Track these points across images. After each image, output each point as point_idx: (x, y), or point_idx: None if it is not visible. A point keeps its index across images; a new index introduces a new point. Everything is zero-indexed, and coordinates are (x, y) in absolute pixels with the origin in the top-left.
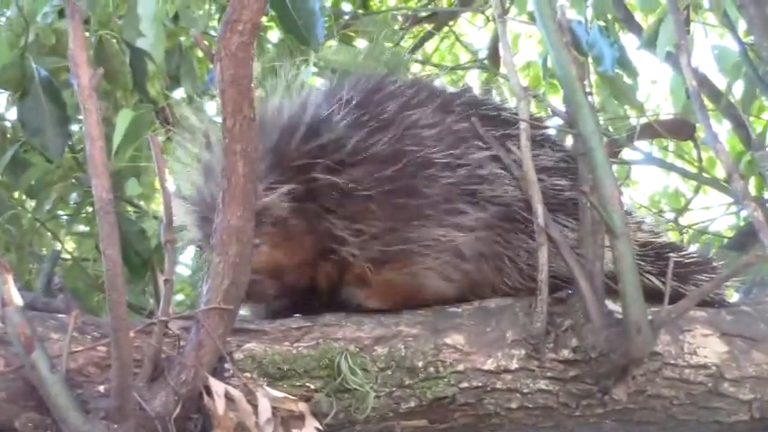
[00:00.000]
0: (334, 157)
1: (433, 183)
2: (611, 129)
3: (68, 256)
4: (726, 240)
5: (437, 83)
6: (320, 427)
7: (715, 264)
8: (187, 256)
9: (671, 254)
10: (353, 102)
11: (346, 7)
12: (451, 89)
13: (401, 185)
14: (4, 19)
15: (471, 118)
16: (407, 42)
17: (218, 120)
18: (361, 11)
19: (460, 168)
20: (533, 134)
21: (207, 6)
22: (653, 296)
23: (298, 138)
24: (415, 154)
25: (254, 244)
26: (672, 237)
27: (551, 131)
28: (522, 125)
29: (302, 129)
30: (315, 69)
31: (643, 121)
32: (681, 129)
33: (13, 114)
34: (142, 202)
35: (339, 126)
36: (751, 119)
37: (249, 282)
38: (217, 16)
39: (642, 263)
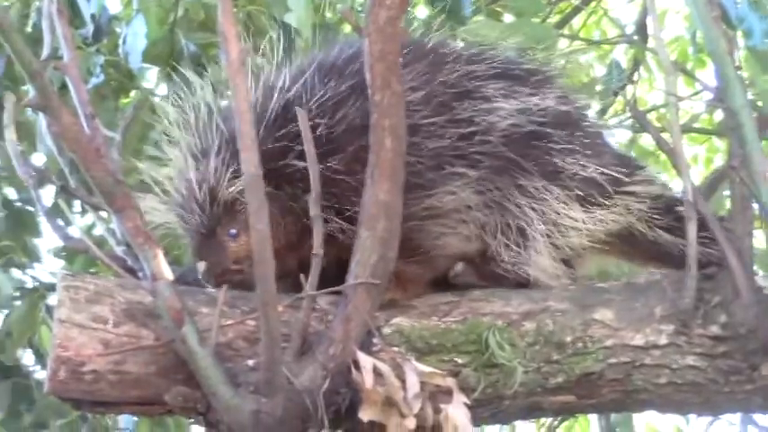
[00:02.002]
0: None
1: (418, 150)
2: (760, 104)
3: None
4: None
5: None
6: (468, 402)
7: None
8: None
9: (680, 207)
10: (325, 77)
11: None
12: (447, 44)
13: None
14: None
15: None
16: (555, 18)
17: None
18: None
19: (449, 130)
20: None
21: None
22: (665, 256)
23: (265, 123)
24: None
25: (231, 234)
26: None
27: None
28: (671, 99)
29: (269, 114)
30: (462, 44)
31: None
32: None
33: (162, 90)
34: None
35: (309, 108)
36: None
37: (234, 272)
38: None
39: (654, 216)
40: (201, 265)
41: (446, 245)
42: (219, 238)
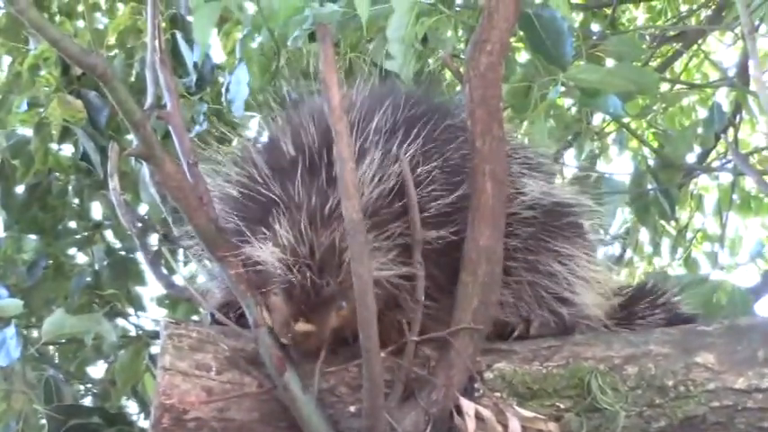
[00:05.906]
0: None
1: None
2: None
3: None
4: None
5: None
6: None
7: (655, 287)
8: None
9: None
10: (424, 148)
11: (595, 27)
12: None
13: (449, 248)
14: (255, 44)
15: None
16: (656, 61)
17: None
18: (609, 30)
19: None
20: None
21: (455, 28)
22: None
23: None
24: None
25: (339, 306)
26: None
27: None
28: None
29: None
30: (563, 89)
31: None
32: None
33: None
34: None
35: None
36: None
37: (307, 336)
38: (464, 38)
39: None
40: (303, 326)
41: None
42: (327, 303)
